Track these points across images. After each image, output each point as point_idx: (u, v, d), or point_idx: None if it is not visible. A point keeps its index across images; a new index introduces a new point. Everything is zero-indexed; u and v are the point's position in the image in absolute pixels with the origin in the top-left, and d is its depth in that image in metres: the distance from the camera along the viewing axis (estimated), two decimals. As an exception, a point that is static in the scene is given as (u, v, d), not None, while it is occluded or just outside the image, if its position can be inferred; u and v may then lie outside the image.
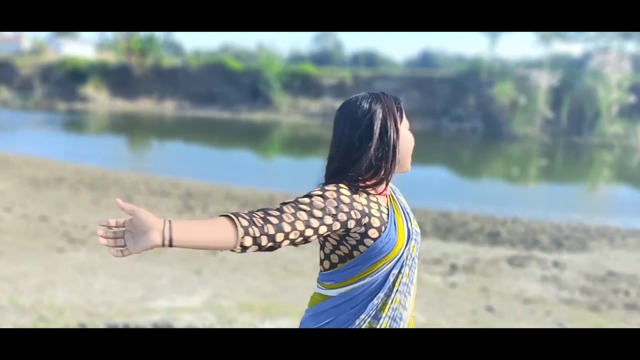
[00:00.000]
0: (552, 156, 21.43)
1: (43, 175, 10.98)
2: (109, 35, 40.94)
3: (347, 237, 1.55)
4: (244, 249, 1.38)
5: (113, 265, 5.58)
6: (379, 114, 1.59)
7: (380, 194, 1.63)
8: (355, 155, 1.59)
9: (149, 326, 3.94)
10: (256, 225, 1.39)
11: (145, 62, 36.09)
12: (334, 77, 32.33)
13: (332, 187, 1.56)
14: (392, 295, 1.57)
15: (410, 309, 1.63)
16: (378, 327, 1.56)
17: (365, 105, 1.61)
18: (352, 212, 1.51)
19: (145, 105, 32.54)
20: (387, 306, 1.57)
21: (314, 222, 1.47)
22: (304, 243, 1.49)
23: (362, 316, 1.57)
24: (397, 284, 1.58)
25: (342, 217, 1.50)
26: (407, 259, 1.60)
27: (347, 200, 1.52)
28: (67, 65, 35.77)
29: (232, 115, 30.18)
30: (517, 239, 7.77)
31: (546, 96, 25.54)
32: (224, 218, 1.39)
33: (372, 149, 1.57)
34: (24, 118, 27.13)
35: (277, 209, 1.47)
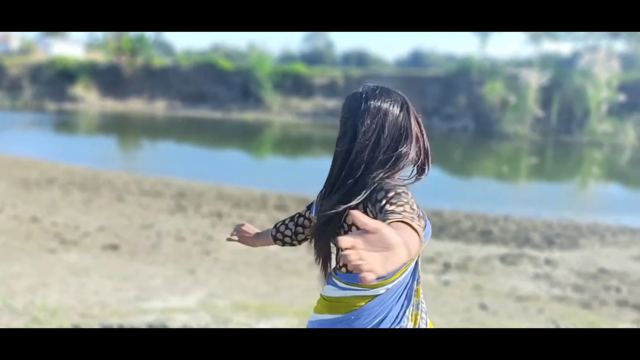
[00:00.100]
0: (543, 154, 21.56)
1: (33, 176, 10.90)
2: (99, 35, 40.70)
3: None
4: None
5: (106, 266, 5.55)
6: (409, 109, 1.63)
7: None
8: (403, 150, 1.58)
9: (144, 327, 3.93)
10: None
11: (136, 61, 35.90)
12: (325, 76, 32.34)
13: (402, 186, 1.50)
14: (417, 284, 1.64)
15: None
16: (418, 316, 1.61)
17: (394, 99, 1.61)
18: (418, 208, 1.50)
19: (135, 105, 32.37)
20: (418, 295, 1.64)
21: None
22: None
23: (409, 308, 1.60)
24: (417, 272, 1.65)
25: (420, 213, 1.49)
26: None
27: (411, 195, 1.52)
28: (57, 65, 35.52)
29: (224, 115, 30.10)
30: (509, 237, 7.81)
31: (536, 95, 25.70)
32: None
33: (414, 144, 1.60)
34: (13, 118, 26.91)
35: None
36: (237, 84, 32.53)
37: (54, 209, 8.08)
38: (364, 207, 1.53)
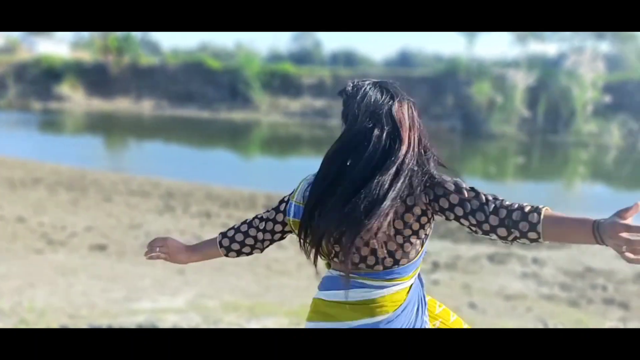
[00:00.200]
0: (529, 154, 21.74)
1: (19, 175, 10.78)
2: (85, 33, 40.34)
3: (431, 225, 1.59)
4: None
5: (94, 266, 5.51)
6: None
7: None
8: (428, 143, 1.62)
9: (133, 327, 3.90)
10: None
11: (122, 60, 35.62)
12: (313, 76, 32.33)
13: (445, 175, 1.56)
14: None
15: None
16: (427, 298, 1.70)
17: (403, 92, 1.64)
18: None
19: (122, 105, 32.14)
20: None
21: None
22: None
23: (423, 288, 1.70)
24: None
25: None
26: None
27: None
28: (42, 63, 35.13)
29: (211, 115, 29.98)
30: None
31: (523, 95, 25.89)
32: None
33: (427, 137, 1.64)
34: (-3, 118, 26.59)
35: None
36: (225, 83, 32.40)
37: (40, 209, 8.00)
38: (411, 204, 1.50)
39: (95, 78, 34.00)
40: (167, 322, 4.03)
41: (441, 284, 5.61)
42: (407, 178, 1.50)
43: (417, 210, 1.52)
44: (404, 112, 1.59)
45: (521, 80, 25.76)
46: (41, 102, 32.02)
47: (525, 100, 25.88)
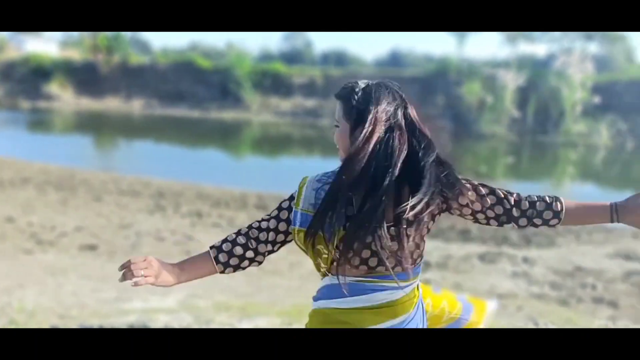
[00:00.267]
0: (519, 154, 21.87)
1: (7, 175, 10.68)
2: (74, 32, 40.05)
3: None
4: None
5: (84, 266, 5.48)
6: None
7: None
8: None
9: (131, 327, 3.88)
10: None
11: (112, 59, 35.40)
12: (304, 76, 32.32)
13: None
14: None
15: None
16: None
17: (405, 94, 1.70)
18: None
19: (112, 104, 31.95)
20: None
21: None
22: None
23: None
24: None
25: None
26: None
27: None
28: (30, 62, 34.84)
29: (202, 114, 29.89)
30: (488, 235, 7.91)
31: (513, 96, 26.04)
32: None
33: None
34: (-15, 117, 26.34)
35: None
36: (215, 83, 32.31)
37: (29, 209, 7.94)
38: (430, 204, 1.52)
39: (85, 77, 33.76)
40: (159, 322, 4.01)
41: (432, 283, 5.62)
42: (431, 179, 1.52)
43: (435, 210, 1.56)
44: (415, 114, 1.63)
45: (511, 80, 25.90)
46: (30, 101, 31.76)
47: (515, 100, 26.03)
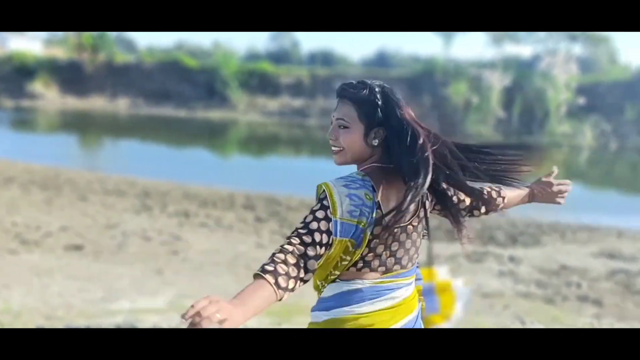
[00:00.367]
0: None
1: (-9, 174, 10.55)
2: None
3: None
4: None
5: (69, 267, 5.43)
6: None
7: None
8: None
9: (112, 329, 3.85)
10: None
11: (97, 58, 35.10)
12: (291, 75, 32.30)
13: None
14: None
15: None
16: None
17: None
18: None
19: (97, 103, 31.68)
20: None
21: None
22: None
23: None
24: None
25: None
26: None
27: None
28: (14, 60, 34.44)
29: (188, 114, 29.74)
30: (474, 235, 7.96)
31: (498, 96, 26.25)
32: None
33: None
34: (-33, 115, 25.98)
35: None
36: (202, 82, 32.18)
37: (13, 209, 7.84)
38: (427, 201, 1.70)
39: (70, 76, 33.44)
40: (147, 322, 3.98)
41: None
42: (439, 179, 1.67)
43: (429, 206, 1.70)
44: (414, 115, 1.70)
45: (497, 81, 26.11)
46: (13, 100, 31.37)
47: (500, 101, 26.24)
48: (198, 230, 7.32)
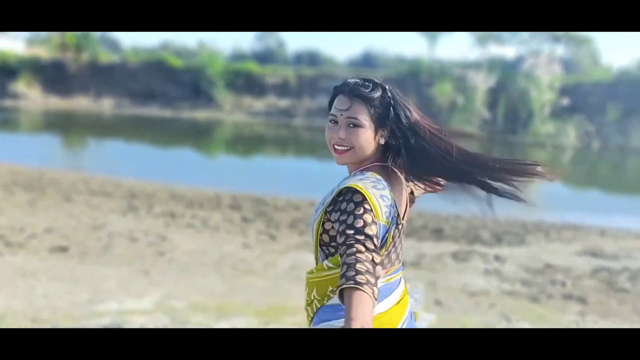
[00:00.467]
0: (490, 154, 22.20)
1: (-27, 175, 10.41)
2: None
3: None
4: None
5: (55, 268, 5.38)
6: None
7: None
8: None
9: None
10: None
11: (81, 58, 34.70)
12: (277, 75, 32.23)
13: None
14: None
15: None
16: None
17: None
18: None
19: (81, 103, 31.35)
20: None
21: None
22: None
23: None
24: None
25: None
26: None
27: None
28: (-4, 60, 33.94)
29: (174, 114, 29.55)
30: (460, 234, 8.03)
31: (483, 97, 26.44)
32: None
33: None
34: (-52, 115, 25.58)
35: None
36: (187, 82, 31.98)
37: (-3, 210, 7.75)
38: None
39: (53, 75, 33.03)
40: (134, 323, 3.96)
41: (407, 281, 5.68)
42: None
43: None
44: None
45: (481, 81, 26.29)
46: (-5, 100, 30.93)
47: (485, 101, 26.44)
48: (184, 231, 7.29)
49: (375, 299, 1.34)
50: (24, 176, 10.71)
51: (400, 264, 1.71)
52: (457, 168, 1.64)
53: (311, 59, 40.51)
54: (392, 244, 1.61)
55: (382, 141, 1.62)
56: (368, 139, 1.60)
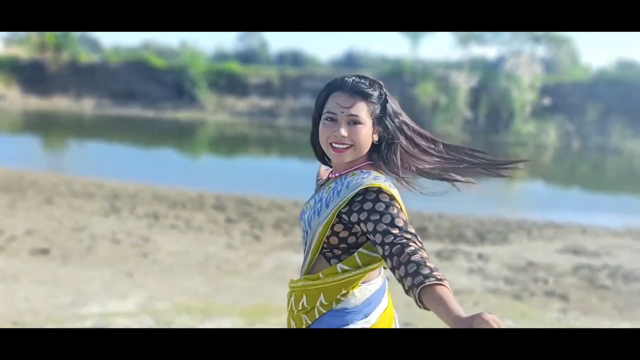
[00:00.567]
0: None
1: (-49, 177, 10.22)
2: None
3: None
4: None
5: (36, 271, 5.31)
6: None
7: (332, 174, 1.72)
8: None
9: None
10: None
11: (60, 57, 34.25)
12: (260, 75, 32.14)
13: None
14: None
15: (300, 273, 1.68)
16: None
17: None
18: None
19: (61, 103, 30.95)
20: None
21: None
22: None
23: None
24: None
25: None
26: (302, 233, 1.70)
27: None
28: (-28, 59, 33.36)
29: (156, 114, 29.31)
30: (444, 233, 8.08)
31: (465, 97, 26.65)
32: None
33: None
34: None
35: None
36: (169, 82, 31.73)
37: (-25, 213, 7.62)
38: None
39: (32, 75, 32.55)
40: (118, 325, 3.93)
41: (392, 281, 5.70)
42: None
43: None
44: None
45: (463, 81, 26.49)
46: (-27, 100, 30.40)
47: (467, 101, 26.65)
48: (168, 232, 7.24)
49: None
50: (3, 178, 10.54)
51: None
52: (442, 159, 1.66)
53: (294, 59, 40.45)
54: None
55: (376, 138, 1.62)
56: (367, 135, 1.60)
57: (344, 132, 1.57)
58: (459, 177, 1.70)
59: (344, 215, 1.53)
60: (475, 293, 5.46)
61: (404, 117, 1.66)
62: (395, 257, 1.37)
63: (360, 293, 1.61)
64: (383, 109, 1.62)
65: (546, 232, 8.48)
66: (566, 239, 8.07)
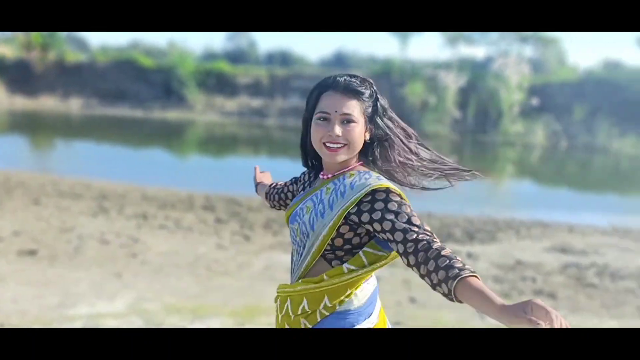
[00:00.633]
0: (461, 153, 22.51)
1: (-64, 178, 10.10)
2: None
3: None
4: None
5: (23, 272, 5.26)
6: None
7: (322, 175, 1.70)
8: None
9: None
10: None
11: (47, 57, 33.95)
12: (249, 75, 32.07)
13: None
14: None
15: (293, 277, 1.66)
16: None
17: None
18: None
19: (48, 103, 30.68)
20: None
21: None
22: None
23: None
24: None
25: None
26: (294, 235, 1.68)
27: None
28: (-43, 59, 32.96)
29: (144, 114, 29.15)
30: (433, 232, 8.10)
31: (454, 96, 26.78)
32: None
33: None
34: None
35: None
36: (158, 82, 31.57)
37: (-39, 214, 7.54)
38: None
39: (18, 75, 32.24)
40: (107, 326, 3.90)
41: (382, 279, 5.72)
42: None
43: None
44: None
45: (452, 82, 26.63)
46: (-42, 100, 30.04)
47: (456, 101, 26.78)
48: (157, 232, 7.21)
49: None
50: (-10, 178, 10.43)
51: None
52: (428, 159, 1.69)
53: (283, 58, 40.38)
54: None
55: (368, 136, 1.62)
56: (360, 134, 1.59)
57: (338, 131, 1.55)
58: (445, 178, 1.74)
59: (352, 216, 1.52)
60: (465, 292, 5.48)
61: (394, 116, 1.67)
62: (421, 253, 1.37)
63: (361, 293, 1.60)
64: (374, 107, 1.62)
65: (534, 231, 8.54)
66: (554, 238, 8.13)
